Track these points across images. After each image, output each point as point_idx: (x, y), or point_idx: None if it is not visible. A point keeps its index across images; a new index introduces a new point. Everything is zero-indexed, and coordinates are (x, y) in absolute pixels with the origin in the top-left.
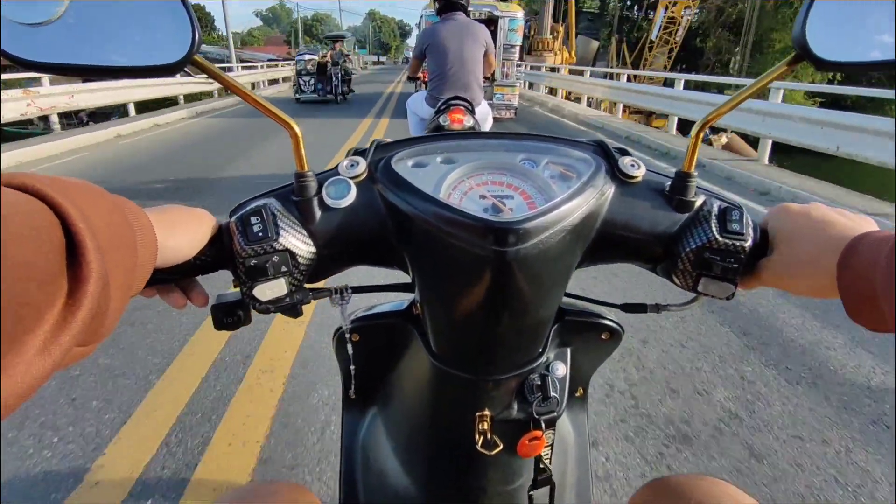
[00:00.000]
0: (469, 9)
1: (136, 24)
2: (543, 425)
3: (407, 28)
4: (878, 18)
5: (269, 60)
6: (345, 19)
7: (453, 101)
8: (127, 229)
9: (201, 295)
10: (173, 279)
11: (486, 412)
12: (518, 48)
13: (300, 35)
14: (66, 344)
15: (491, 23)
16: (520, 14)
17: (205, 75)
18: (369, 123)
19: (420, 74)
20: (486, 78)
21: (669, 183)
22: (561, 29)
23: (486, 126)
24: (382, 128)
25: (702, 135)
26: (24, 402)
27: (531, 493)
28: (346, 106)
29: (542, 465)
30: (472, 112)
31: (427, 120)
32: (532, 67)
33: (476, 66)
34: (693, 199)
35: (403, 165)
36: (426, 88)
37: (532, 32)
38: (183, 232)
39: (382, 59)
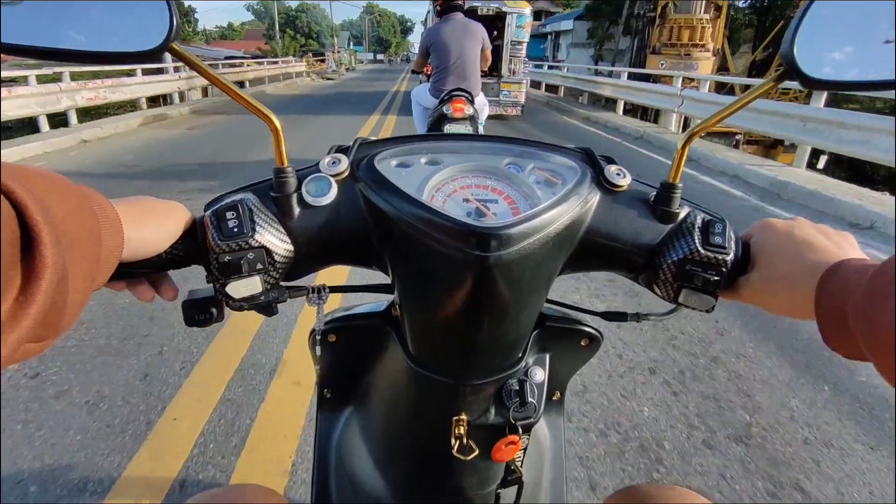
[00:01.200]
0: (477, 4)
1: (112, 8)
2: (520, 430)
3: (409, 24)
4: (867, 39)
5: (229, 58)
6: (339, 12)
7: (455, 92)
8: (91, 220)
9: (171, 289)
10: (143, 273)
11: (463, 416)
12: (525, 45)
13: (276, 27)
14: (14, 341)
15: (499, 19)
16: (528, 10)
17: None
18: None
19: (425, 70)
20: (483, 71)
21: (654, 193)
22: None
23: (484, 115)
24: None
25: (688, 147)
26: None
27: (498, 490)
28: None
29: (512, 467)
30: (471, 102)
31: (430, 109)
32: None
33: (474, 61)
34: (677, 211)
35: (387, 165)
36: (429, 81)
37: (661, 10)
38: (154, 224)
39: (380, 56)
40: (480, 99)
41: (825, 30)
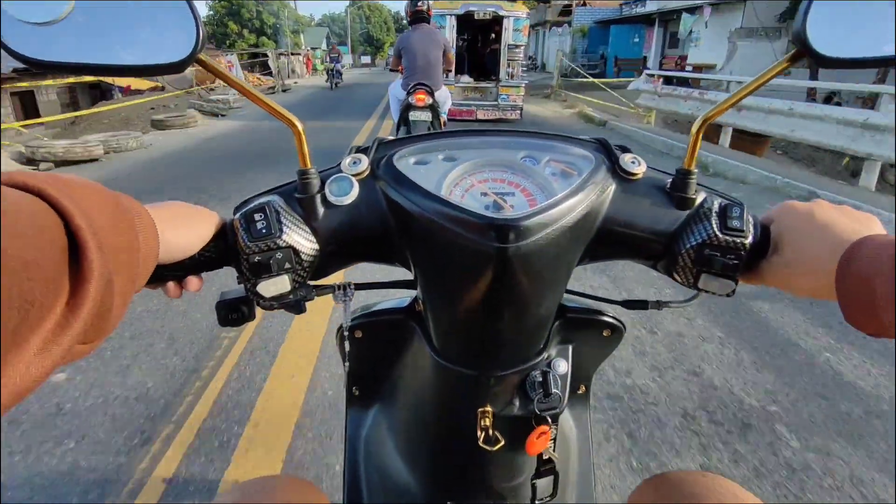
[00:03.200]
0: (473, 9)
1: (141, 23)
2: (549, 420)
3: (404, 23)
4: (879, 14)
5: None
6: (320, 6)
7: (417, 86)
8: (129, 227)
9: (195, 280)
10: (178, 275)
11: (488, 408)
12: (523, 48)
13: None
14: (67, 344)
15: (496, 23)
16: (524, 14)
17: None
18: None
19: (399, 68)
20: (446, 71)
21: (670, 180)
22: None
23: (446, 106)
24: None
25: (702, 133)
26: (20, 400)
27: (534, 481)
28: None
29: (546, 457)
30: (431, 94)
31: (402, 100)
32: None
33: (437, 62)
34: (693, 196)
35: (405, 163)
36: (402, 78)
37: None
38: (185, 227)
39: (364, 59)
40: (442, 91)
41: (836, 8)
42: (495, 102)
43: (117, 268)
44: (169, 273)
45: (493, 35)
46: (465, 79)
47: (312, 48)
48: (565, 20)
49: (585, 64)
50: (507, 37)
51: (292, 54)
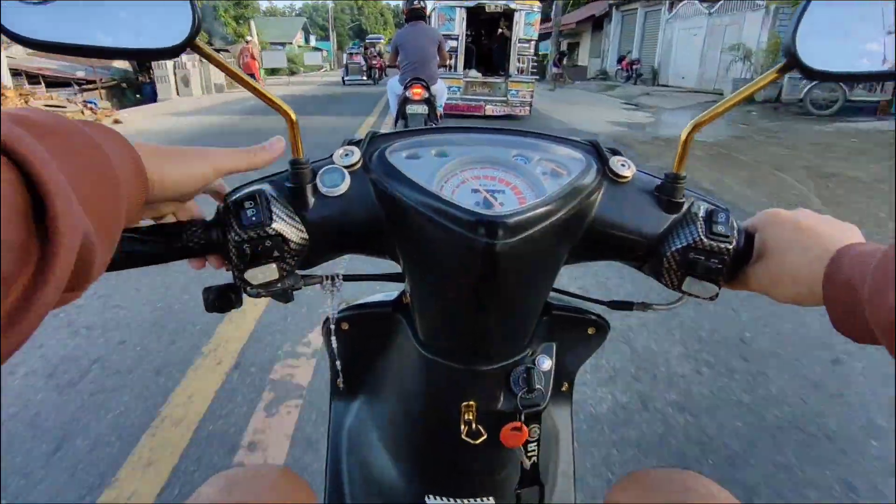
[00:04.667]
0: (485, 2)
1: (138, 6)
2: (526, 418)
3: (401, 19)
4: (869, 29)
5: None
6: None
7: (413, 80)
8: (107, 166)
9: (218, 259)
10: (161, 260)
11: (472, 402)
12: (534, 43)
13: None
14: (36, 314)
15: (506, 17)
16: (537, 6)
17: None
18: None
19: (397, 64)
20: (442, 66)
21: (658, 184)
22: None
23: (442, 100)
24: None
25: (692, 138)
26: None
27: (518, 491)
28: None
29: (529, 463)
30: (427, 88)
31: (399, 94)
32: None
33: (432, 58)
34: (681, 201)
35: (398, 156)
36: (399, 73)
37: None
38: (179, 166)
39: (356, 57)
40: (439, 85)
41: (826, 22)
42: (504, 98)
43: (96, 214)
44: (148, 254)
45: (503, 29)
46: (473, 73)
47: (274, 43)
48: None
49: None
50: (518, 31)
51: (221, 50)
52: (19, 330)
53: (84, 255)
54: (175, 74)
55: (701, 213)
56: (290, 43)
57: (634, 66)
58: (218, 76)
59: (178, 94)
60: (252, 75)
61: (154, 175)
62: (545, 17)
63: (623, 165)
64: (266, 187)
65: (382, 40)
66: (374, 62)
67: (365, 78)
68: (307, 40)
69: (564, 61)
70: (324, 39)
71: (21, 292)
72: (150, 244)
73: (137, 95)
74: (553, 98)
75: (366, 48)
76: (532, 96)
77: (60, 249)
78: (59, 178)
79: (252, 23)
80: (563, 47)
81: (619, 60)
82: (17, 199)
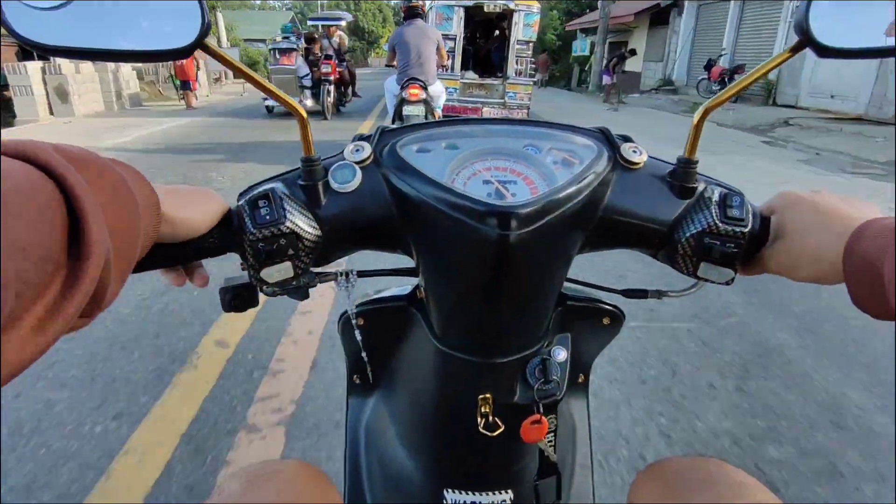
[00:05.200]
0: (483, 1)
1: (146, 8)
2: (543, 409)
3: (399, 18)
4: (880, 6)
5: None
6: None
7: (410, 80)
8: (130, 199)
9: (202, 276)
10: (181, 258)
11: (489, 395)
12: (532, 45)
13: None
14: (63, 322)
15: (504, 17)
16: (536, 7)
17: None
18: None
19: (394, 64)
20: (442, 67)
21: (671, 169)
22: None
23: (440, 100)
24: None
25: (703, 122)
26: (14, 377)
27: (537, 483)
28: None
29: (546, 454)
30: (425, 88)
31: (397, 95)
32: None
33: (430, 57)
34: (694, 185)
35: (408, 150)
36: (397, 73)
37: None
38: (191, 206)
39: (286, 52)
40: (436, 86)
41: (837, 1)
42: (502, 100)
43: (116, 245)
44: (171, 254)
45: (500, 30)
46: (471, 74)
47: (251, 40)
48: None
49: None
50: (517, 32)
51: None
52: (44, 338)
53: (103, 279)
54: (45, 83)
55: (715, 198)
56: (276, 40)
57: (736, 75)
58: (132, 85)
59: (51, 112)
60: (186, 82)
61: (168, 214)
62: (582, 10)
63: (635, 152)
64: (278, 185)
65: (343, 22)
66: (324, 70)
67: (310, 102)
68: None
69: (618, 68)
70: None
71: (50, 303)
72: (167, 245)
73: None
74: (629, 126)
75: (309, 39)
76: (530, 99)
77: (90, 267)
78: (96, 204)
79: (219, 14)
80: (624, 49)
81: (708, 67)
82: (57, 217)
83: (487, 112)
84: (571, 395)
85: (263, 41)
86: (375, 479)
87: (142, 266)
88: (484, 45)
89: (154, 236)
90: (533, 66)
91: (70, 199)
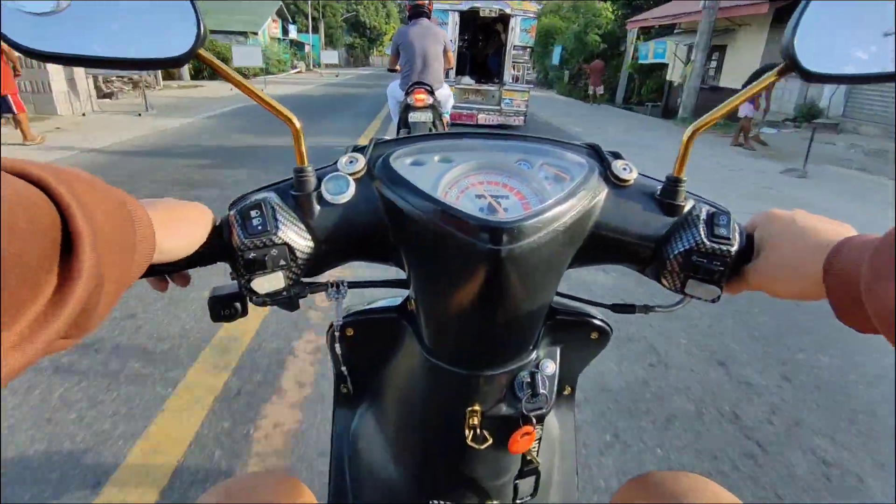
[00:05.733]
0: (479, 5)
1: (142, 16)
2: (534, 421)
3: (403, 16)
4: (867, 32)
5: None
6: None
7: (416, 85)
8: (127, 226)
9: (183, 276)
10: (170, 272)
11: (477, 407)
12: (529, 50)
13: None
14: (45, 340)
15: (501, 21)
16: (533, 13)
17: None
18: None
19: (397, 67)
20: (445, 69)
21: (660, 187)
22: None
23: (448, 105)
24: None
25: (692, 142)
26: None
27: (516, 482)
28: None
29: (528, 458)
30: (432, 93)
31: (401, 101)
32: None
33: (437, 59)
34: (682, 204)
35: (402, 163)
36: (400, 77)
37: None
38: (183, 229)
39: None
40: (444, 90)
41: (824, 25)
42: (498, 107)
43: (109, 267)
44: (161, 269)
45: (497, 35)
46: (466, 80)
47: (224, 32)
48: None
49: None
50: (514, 37)
51: None
52: (23, 356)
53: (90, 301)
54: None
55: (702, 216)
56: (255, 33)
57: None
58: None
59: None
60: (4, 99)
61: (163, 245)
62: (648, 3)
63: (625, 169)
64: (271, 195)
65: None
66: None
67: None
68: (285, 31)
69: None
70: (302, 34)
71: (33, 320)
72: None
73: None
74: None
75: None
76: (527, 105)
77: (77, 288)
78: (90, 225)
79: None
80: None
81: None
82: (49, 233)
83: (483, 119)
84: (558, 407)
85: (245, 34)
86: (360, 490)
87: None
88: (480, 51)
89: (148, 259)
90: (529, 71)
91: (65, 217)
